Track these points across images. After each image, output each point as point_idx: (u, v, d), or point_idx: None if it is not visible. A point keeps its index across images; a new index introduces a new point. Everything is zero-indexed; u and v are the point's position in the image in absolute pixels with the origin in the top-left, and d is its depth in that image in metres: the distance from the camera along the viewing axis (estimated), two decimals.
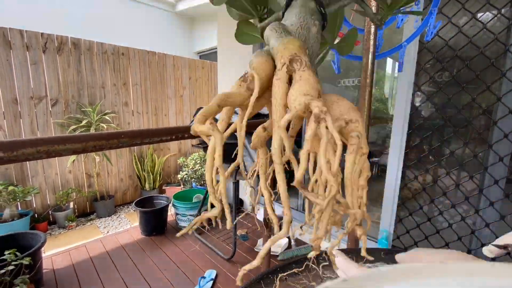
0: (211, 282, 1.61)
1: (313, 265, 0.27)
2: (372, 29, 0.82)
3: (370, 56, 0.84)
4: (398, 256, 0.25)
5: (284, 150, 0.24)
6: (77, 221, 2.68)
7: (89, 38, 2.73)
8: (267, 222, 1.28)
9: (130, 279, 1.67)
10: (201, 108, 1.87)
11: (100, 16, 4.17)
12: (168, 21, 5.07)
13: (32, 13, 3.54)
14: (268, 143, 0.29)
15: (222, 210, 0.24)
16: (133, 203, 2.31)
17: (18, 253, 1.36)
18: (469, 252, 1.35)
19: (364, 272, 0.16)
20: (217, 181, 0.25)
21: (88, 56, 2.71)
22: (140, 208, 2.18)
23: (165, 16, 5.01)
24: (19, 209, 2.38)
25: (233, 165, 0.32)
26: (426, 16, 0.77)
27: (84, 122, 2.60)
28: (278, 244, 1.96)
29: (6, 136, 2.29)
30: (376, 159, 2.06)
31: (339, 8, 0.32)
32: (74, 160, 2.66)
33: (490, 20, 1.15)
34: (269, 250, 1.34)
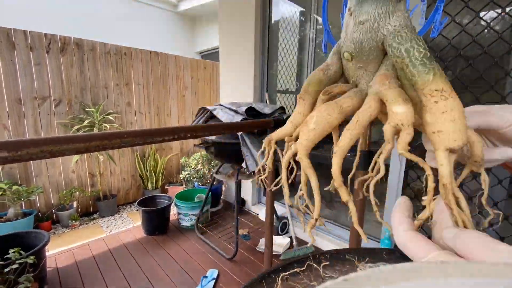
0: (213, 281, 1.62)
1: (314, 265, 0.27)
2: None
3: None
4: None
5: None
6: (80, 220, 2.70)
7: (92, 39, 2.74)
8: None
9: (132, 278, 1.68)
10: (203, 107, 1.85)
11: (102, 16, 4.19)
12: (170, 21, 5.09)
13: (34, 13, 3.57)
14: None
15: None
16: (136, 203, 2.32)
17: (22, 252, 1.37)
18: None
19: (364, 271, 0.16)
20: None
21: (91, 56, 2.73)
22: (143, 208, 2.19)
23: (167, 16, 5.03)
24: (23, 208, 2.40)
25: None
26: (432, 12, 0.76)
27: (87, 122, 2.61)
28: (280, 244, 1.96)
29: (11, 136, 2.32)
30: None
31: None
32: (77, 160, 2.68)
33: (494, 18, 1.14)
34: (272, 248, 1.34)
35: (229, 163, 2.02)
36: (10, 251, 1.35)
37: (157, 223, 2.23)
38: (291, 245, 1.99)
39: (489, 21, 1.14)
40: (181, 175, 3.08)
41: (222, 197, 2.94)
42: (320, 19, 2.11)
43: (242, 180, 2.09)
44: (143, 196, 2.81)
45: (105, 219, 2.80)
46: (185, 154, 3.73)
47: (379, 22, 0.32)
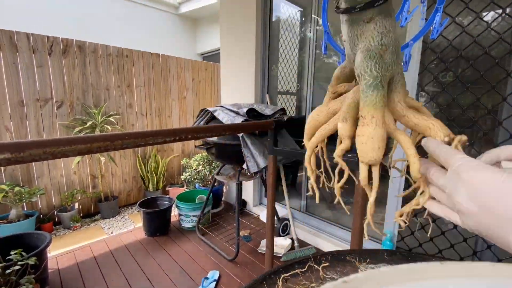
0: (214, 283, 1.61)
1: (315, 266, 0.27)
2: None
3: None
4: None
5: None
6: (82, 221, 2.71)
7: (93, 41, 2.76)
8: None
9: (133, 279, 1.68)
10: (204, 109, 1.85)
11: (104, 19, 4.22)
12: (172, 23, 5.11)
13: (35, 15, 3.60)
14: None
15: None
16: (137, 204, 2.32)
17: (24, 253, 1.38)
18: (474, 253, 1.34)
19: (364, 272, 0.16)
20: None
21: (93, 58, 2.75)
22: (144, 209, 2.19)
23: (168, 18, 5.05)
24: (25, 209, 2.41)
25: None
26: (431, 14, 0.76)
27: (89, 124, 2.63)
28: (281, 245, 1.96)
29: (13, 138, 2.33)
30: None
31: None
32: (79, 161, 2.69)
33: (495, 19, 1.14)
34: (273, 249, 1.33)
35: (230, 164, 2.02)
36: (12, 252, 1.35)
37: (158, 224, 2.23)
38: (292, 247, 1.98)
39: (489, 22, 1.14)
40: (182, 177, 3.08)
41: (223, 198, 2.93)
42: (320, 20, 2.12)
43: (243, 181, 2.09)
44: (144, 197, 2.82)
45: (107, 220, 2.81)
46: (186, 155, 3.74)
47: (350, 43, 0.38)
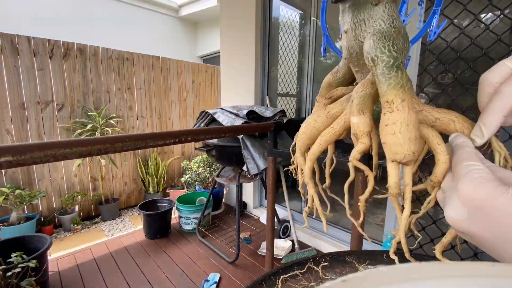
0: (215, 285, 1.61)
1: (314, 267, 0.27)
2: None
3: None
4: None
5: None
6: (82, 224, 2.70)
7: (94, 44, 2.77)
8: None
9: (134, 281, 1.68)
10: (204, 111, 1.86)
11: (104, 21, 4.24)
12: (172, 26, 5.13)
13: (36, 18, 3.62)
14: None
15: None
16: (137, 206, 2.32)
17: (24, 256, 1.38)
18: (475, 255, 1.33)
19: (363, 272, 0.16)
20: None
21: (94, 61, 2.76)
22: (144, 211, 2.19)
23: (168, 21, 5.07)
24: (26, 212, 2.41)
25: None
26: (429, 16, 0.77)
27: (89, 126, 2.63)
28: (282, 247, 1.95)
29: (14, 141, 2.33)
30: (381, 161, 2.05)
31: None
32: (79, 164, 2.69)
33: (493, 21, 1.15)
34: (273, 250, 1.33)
35: (230, 166, 2.03)
36: (13, 255, 1.35)
37: (159, 226, 2.23)
38: (293, 249, 1.98)
39: (488, 24, 1.15)
40: (182, 179, 3.08)
41: (223, 201, 2.93)
42: (319, 23, 2.13)
43: (243, 183, 2.09)
44: (144, 199, 2.82)
45: (107, 223, 2.80)
46: (187, 157, 3.74)
47: (355, 30, 0.34)
